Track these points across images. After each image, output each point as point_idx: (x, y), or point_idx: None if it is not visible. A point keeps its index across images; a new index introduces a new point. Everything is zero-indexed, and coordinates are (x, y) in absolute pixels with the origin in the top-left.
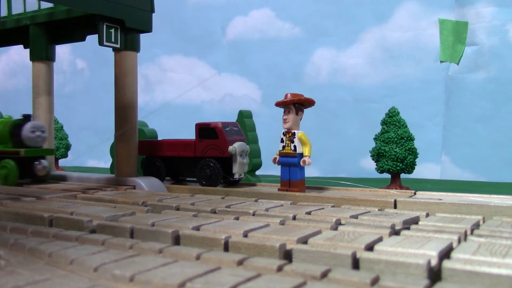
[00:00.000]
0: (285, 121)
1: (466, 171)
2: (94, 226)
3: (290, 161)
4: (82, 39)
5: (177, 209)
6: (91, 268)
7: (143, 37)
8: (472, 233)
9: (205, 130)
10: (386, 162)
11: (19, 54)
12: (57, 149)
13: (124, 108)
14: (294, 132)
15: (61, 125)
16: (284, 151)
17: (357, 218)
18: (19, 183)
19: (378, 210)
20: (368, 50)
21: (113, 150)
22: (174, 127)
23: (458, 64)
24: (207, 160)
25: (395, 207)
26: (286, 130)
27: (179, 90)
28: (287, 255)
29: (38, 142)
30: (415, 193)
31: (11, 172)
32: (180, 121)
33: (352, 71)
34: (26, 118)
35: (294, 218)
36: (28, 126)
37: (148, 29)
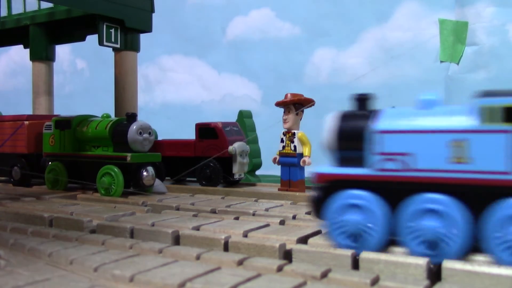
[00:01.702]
0: (285, 121)
1: None
2: (94, 226)
3: (290, 161)
4: (82, 39)
5: (177, 209)
6: (91, 268)
7: (143, 37)
8: None
9: (205, 130)
10: None
11: (19, 54)
12: None
13: (124, 108)
14: (294, 132)
15: None
16: (284, 151)
17: None
18: (22, 182)
19: None
20: (368, 50)
21: None
22: (174, 127)
23: (458, 64)
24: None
25: None
26: (286, 130)
27: (179, 90)
28: (287, 255)
29: (145, 146)
30: None
31: (116, 180)
32: (180, 121)
33: (352, 71)
34: (131, 117)
35: (294, 218)
36: (134, 127)
37: (148, 29)
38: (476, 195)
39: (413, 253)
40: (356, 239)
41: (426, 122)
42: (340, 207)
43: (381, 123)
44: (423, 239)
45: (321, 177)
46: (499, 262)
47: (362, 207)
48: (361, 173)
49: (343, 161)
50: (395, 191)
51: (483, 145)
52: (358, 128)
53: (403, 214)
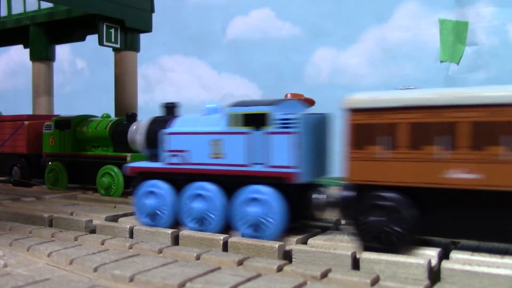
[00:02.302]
0: None
1: None
2: (94, 226)
3: None
4: (82, 39)
5: None
6: (91, 268)
7: (143, 37)
8: None
9: None
10: None
11: (19, 54)
12: None
13: (124, 108)
14: None
15: None
16: None
17: None
18: (21, 181)
19: None
20: (368, 50)
21: None
22: None
23: (458, 64)
24: None
25: None
26: None
27: (179, 90)
28: (287, 255)
29: None
30: None
31: (116, 181)
32: None
33: (352, 71)
34: (131, 117)
35: None
36: (134, 127)
37: (148, 29)
38: (229, 183)
39: (187, 228)
40: (153, 218)
41: (199, 126)
42: (143, 193)
43: (171, 127)
44: (193, 217)
45: (131, 170)
46: (243, 235)
47: (157, 193)
48: (156, 167)
49: (150, 157)
50: (179, 180)
51: (231, 143)
52: (157, 131)
53: (182, 198)
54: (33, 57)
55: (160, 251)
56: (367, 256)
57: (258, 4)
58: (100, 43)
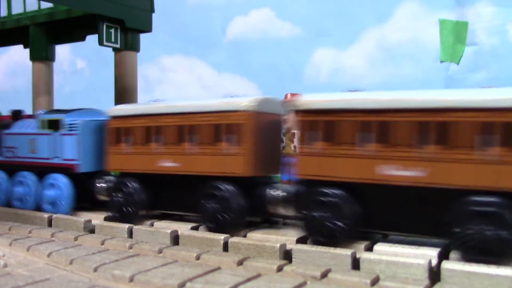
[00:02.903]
0: (285, 121)
1: None
2: (93, 226)
3: (290, 161)
4: (82, 39)
5: None
6: (91, 268)
7: (143, 37)
8: None
9: None
10: None
11: (19, 54)
12: None
13: None
14: (295, 132)
15: None
16: (284, 151)
17: None
18: None
19: None
20: (368, 50)
21: None
22: None
23: (458, 64)
24: None
25: None
26: (286, 130)
27: (179, 90)
28: (287, 255)
29: None
30: None
31: None
32: None
33: (352, 71)
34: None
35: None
36: None
37: (148, 29)
38: (41, 172)
39: (13, 206)
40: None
41: (27, 128)
42: None
43: (10, 129)
44: (17, 198)
45: None
46: (45, 211)
47: None
48: None
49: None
50: (12, 169)
51: (41, 142)
52: (2, 133)
53: (11, 184)
54: (33, 57)
55: (160, 251)
56: (367, 256)
57: (258, 4)
58: (100, 43)
